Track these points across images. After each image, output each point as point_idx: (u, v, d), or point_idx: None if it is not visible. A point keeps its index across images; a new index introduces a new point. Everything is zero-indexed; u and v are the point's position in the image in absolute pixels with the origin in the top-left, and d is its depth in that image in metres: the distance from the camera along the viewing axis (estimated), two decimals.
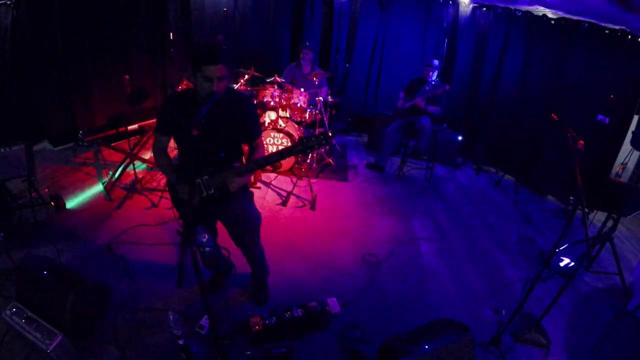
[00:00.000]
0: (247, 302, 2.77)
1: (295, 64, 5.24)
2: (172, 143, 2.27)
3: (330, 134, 1.79)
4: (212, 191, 2.02)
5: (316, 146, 1.78)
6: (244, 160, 2.29)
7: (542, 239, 3.98)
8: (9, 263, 2.73)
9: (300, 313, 2.56)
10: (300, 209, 4.02)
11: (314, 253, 3.36)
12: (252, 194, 2.42)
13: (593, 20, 4.17)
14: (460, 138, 5.46)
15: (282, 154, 1.85)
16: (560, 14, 4.42)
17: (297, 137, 4.50)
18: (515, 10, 4.88)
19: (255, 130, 2.18)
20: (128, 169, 4.13)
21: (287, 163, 4.62)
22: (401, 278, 3.19)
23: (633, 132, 4.14)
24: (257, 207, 2.49)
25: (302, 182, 4.39)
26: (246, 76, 4.78)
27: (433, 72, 4.71)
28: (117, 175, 4.07)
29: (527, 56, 4.92)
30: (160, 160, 2.15)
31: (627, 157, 4.53)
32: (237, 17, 5.63)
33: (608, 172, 4.49)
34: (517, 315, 2.63)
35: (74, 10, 4.28)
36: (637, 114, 4.16)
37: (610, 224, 3.38)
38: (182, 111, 1.91)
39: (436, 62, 4.75)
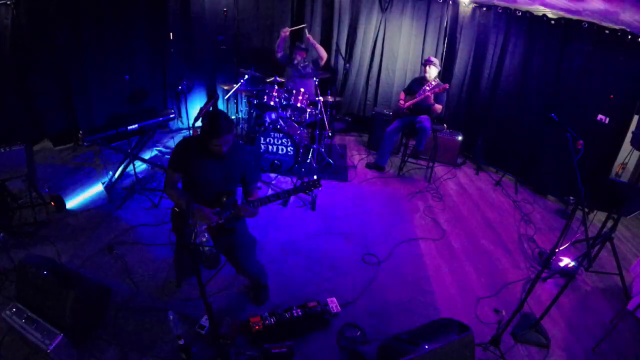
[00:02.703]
0: (247, 302, 2.77)
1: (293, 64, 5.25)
2: None
3: (319, 185, 2.39)
4: (222, 221, 2.31)
5: (307, 192, 2.36)
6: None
7: (542, 239, 3.98)
8: (9, 263, 2.74)
9: (300, 313, 2.56)
10: (300, 208, 4.02)
11: (314, 253, 3.36)
12: (240, 224, 2.60)
13: (593, 20, 4.17)
14: (460, 138, 5.46)
15: (278, 195, 2.29)
16: (561, 13, 4.42)
17: (296, 137, 4.51)
18: (515, 10, 4.88)
19: (255, 176, 2.55)
20: (128, 169, 4.13)
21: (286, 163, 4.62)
22: (401, 278, 3.19)
23: (633, 132, 4.13)
24: None
25: None
26: (246, 76, 4.78)
27: (430, 68, 4.68)
28: (117, 175, 4.07)
29: (527, 56, 4.91)
30: (173, 193, 2.34)
31: (627, 157, 4.53)
32: (237, 17, 5.62)
33: (608, 172, 4.49)
34: (517, 315, 2.63)
35: (74, 10, 4.28)
36: (637, 114, 4.16)
37: (610, 224, 3.38)
38: (193, 154, 2.23)
39: (434, 59, 4.75)
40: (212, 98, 2.05)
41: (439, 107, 4.67)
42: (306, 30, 5.13)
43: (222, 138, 2.13)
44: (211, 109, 2.05)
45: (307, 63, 5.10)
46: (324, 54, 5.09)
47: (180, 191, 2.37)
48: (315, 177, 2.42)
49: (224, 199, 2.33)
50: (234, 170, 2.37)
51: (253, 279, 2.73)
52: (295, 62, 5.02)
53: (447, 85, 4.55)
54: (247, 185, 2.47)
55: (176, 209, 2.40)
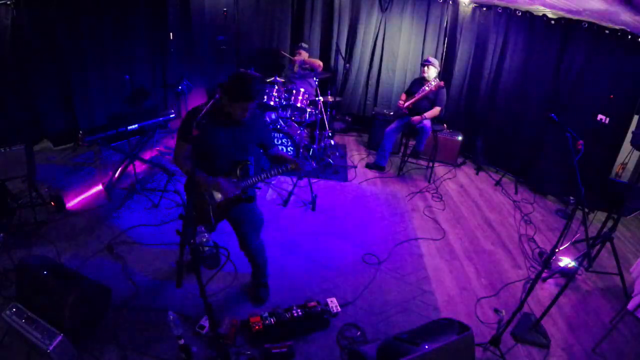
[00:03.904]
0: (247, 302, 2.77)
1: (291, 65, 5.26)
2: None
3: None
4: (239, 192, 2.28)
5: (321, 162, 2.53)
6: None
7: (542, 239, 3.98)
8: (9, 263, 2.74)
9: (300, 313, 2.56)
10: (300, 208, 4.02)
11: (314, 253, 3.36)
12: (255, 195, 2.58)
13: (593, 20, 4.17)
14: (460, 138, 5.46)
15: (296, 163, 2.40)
16: (561, 13, 4.42)
17: (296, 137, 4.51)
18: (515, 10, 4.88)
19: (272, 140, 2.50)
20: (128, 169, 4.13)
21: None
22: (401, 278, 3.19)
23: (633, 132, 4.13)
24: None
25: (302, 182, 4.39)
26: None
27: (429, 68, 4.69)
28: (117, 175, 4.07)
29: (527, 56, 4.91)
30: (186, 165, 2.29)
31: (627, 157, 4.53)
32: (237, 17, 5.62)
33: (608, 172, 4.49)
34: (517, 315, 2.63)
35: (74, 10, 4.28)
36: (637, 114, 4.16)
37: (610, 224, 3.38)
38: (205, 121, 2.07)
39: (433, 59, 4.74)
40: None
41: (430, 114, 4.68)
42: (300, 51, 5.17)
43: (255, 102, 2.10)
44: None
45: (306, 65, 5.12)
46: (317, 64, 5.16)
47: (195, 165, 2.31)
48: (330, 160, 2.42)
49: (239, 170, 2.29)
50: (248, 138, 2.32)
51: (254, 258, 2.66)
52: (298, 62, 5.04)
53: (441, 83, 4.57)
54: (266, 149, 2.47)
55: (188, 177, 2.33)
